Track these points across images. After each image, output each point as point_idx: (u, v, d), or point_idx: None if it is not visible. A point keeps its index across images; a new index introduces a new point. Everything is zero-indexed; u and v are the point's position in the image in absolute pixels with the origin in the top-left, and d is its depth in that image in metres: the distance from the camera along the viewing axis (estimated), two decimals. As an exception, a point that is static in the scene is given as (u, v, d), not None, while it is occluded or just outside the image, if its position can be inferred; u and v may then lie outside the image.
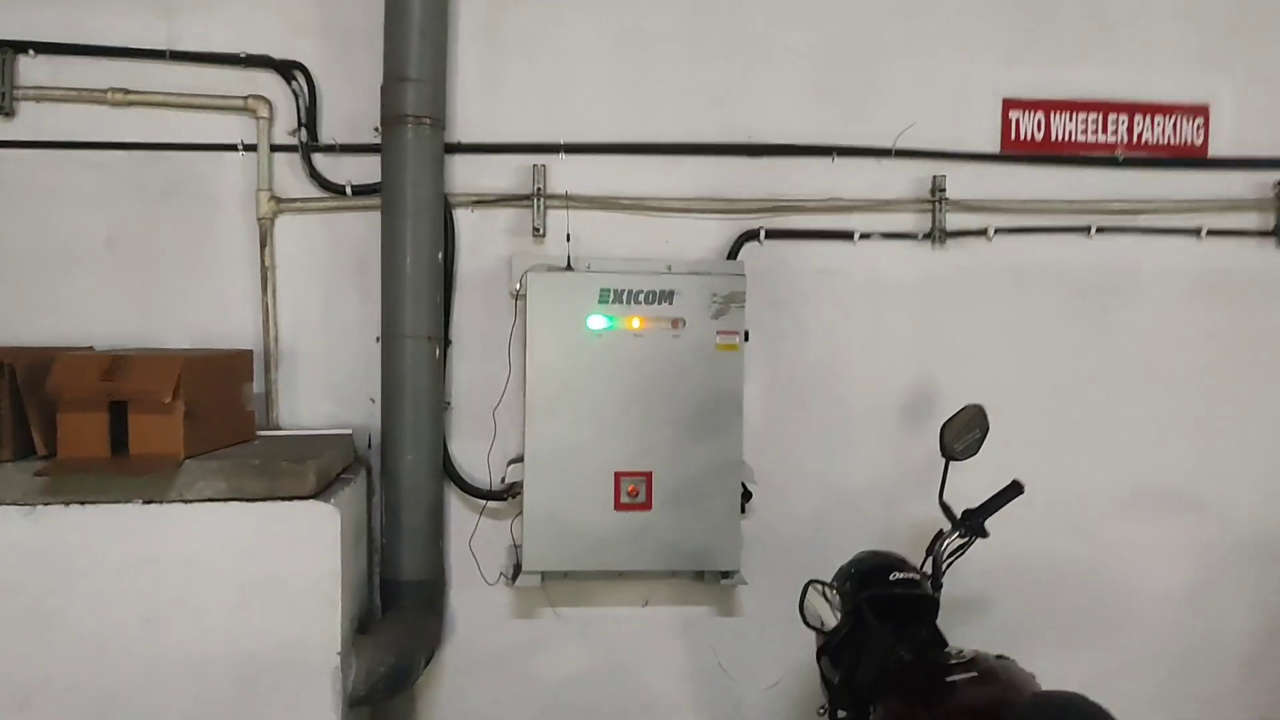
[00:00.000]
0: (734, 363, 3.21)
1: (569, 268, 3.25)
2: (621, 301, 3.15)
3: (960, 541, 2.72)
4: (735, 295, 3.19)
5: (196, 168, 3.31)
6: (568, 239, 3.29)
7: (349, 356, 3.38)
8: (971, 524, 2.69)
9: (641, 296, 3.16)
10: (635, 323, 3.16)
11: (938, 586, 2.65)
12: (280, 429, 3.36)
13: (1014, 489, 2.70)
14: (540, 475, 3.16)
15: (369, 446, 3.36)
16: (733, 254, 3.46)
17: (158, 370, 2.57)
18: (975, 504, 2.67)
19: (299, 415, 3.39)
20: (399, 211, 3.18)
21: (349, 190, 3.34)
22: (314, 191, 3.35)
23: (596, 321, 3.15)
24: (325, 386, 3.40)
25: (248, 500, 2.63)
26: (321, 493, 2.74)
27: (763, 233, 3.46)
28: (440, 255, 3.26)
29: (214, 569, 2.64)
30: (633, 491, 3.17)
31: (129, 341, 3.26)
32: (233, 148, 3.31)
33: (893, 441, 3.56)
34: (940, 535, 2.72)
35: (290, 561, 2.66)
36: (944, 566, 2.69)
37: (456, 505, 3.44)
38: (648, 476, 3.18)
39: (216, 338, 3.32)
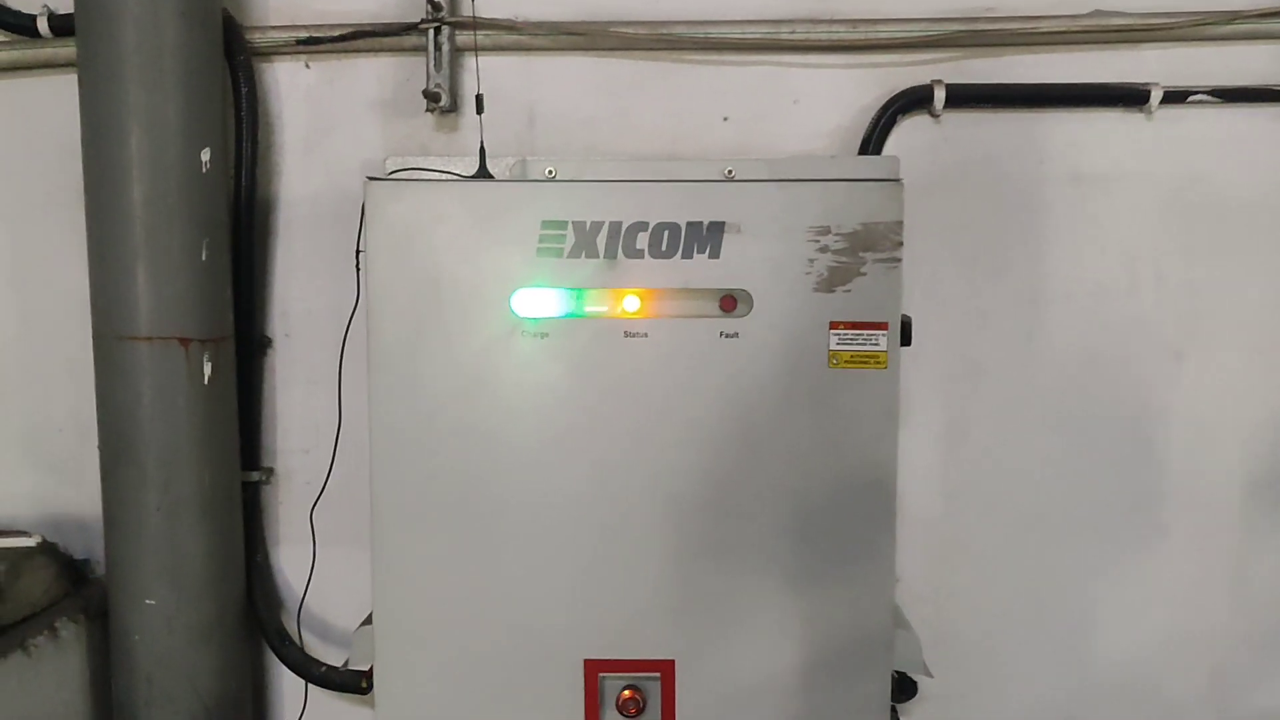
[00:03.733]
0: (877, 395, 1.30)
1: (482, 174, 1.39)
2: (596, 252, 1.27)
3: None
4: (876, 234, 1.28)
5: None
6: (479, 107, 1.41)
7: (66, 375, 1.64)
8: None
9: (645, 240, 1.28)
10: (630, 303, 1.28)
11: None
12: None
13: None
14: (405, 662, 1.33)
15: (112, 560, 1.63)
16: (871, 143, 1.55)
17: None
18: None
19: (-25, 493, 1.69)
20: (107, 68, 1.42)
21: (46, 27, 1.58)
22: (-25, 30, 1.62)
23: (534, 301, 1.28)
24: (25, 435, 1.68)
25: None
26: None
27: (940, 95, 1.54)
28: (207, 159, 1.46)
29: None
30: (628, 704, 1.32)
31: None
32: None
33: (1232, 550, 1.63)
34: None
35: None
36: None
37: (291, 690, 1.68)
38: (664, 670, 1.32)
39: None
